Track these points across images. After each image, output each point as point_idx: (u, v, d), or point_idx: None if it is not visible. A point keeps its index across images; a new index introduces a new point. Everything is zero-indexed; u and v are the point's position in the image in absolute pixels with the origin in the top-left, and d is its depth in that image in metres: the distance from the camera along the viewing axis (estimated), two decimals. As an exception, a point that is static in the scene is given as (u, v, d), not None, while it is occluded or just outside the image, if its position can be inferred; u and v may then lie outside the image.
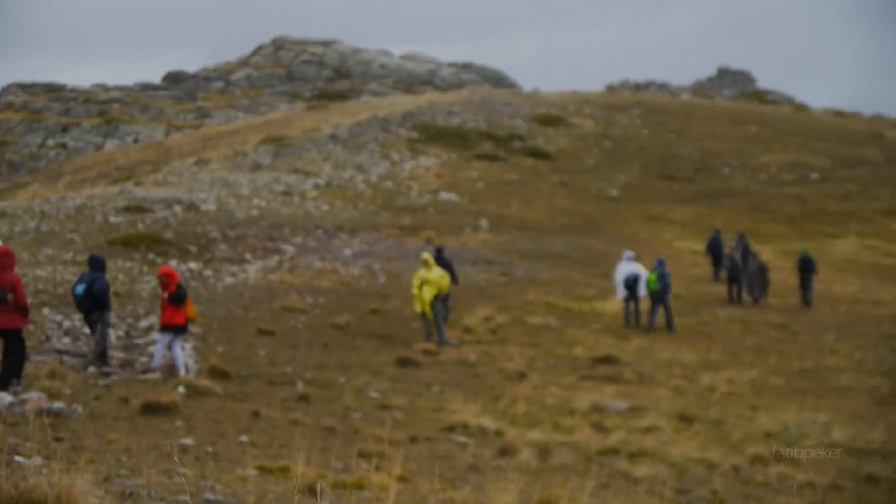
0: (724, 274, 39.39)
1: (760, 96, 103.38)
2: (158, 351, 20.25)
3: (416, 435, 16.91)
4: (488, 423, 18.27)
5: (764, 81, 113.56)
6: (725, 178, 63.42)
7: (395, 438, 16.08)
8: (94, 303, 19.55)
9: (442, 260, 30.51)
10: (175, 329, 19.99)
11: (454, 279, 30.58)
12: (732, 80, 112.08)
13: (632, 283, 31.33)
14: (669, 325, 31.52)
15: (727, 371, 25.96)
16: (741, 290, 37.34)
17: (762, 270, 37.15)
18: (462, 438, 17.27)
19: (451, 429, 17.87)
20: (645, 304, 32.02)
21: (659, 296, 31.44)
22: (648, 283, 31.46)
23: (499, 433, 17.71)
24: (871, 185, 63.88)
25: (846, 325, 33.56)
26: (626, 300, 31.69)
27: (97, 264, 20.24)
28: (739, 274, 37.32)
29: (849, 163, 68.63)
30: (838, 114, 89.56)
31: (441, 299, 26.66)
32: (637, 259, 32.60)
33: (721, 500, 15.61)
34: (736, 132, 73.77)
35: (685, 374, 25.55)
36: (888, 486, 17.05)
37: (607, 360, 25.96)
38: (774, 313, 34.76)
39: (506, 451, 16.45)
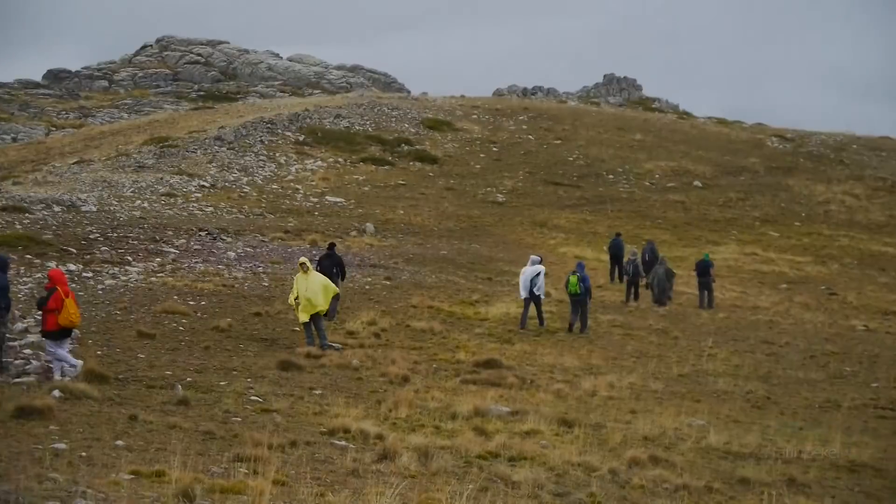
0: (623, 277, 40.96)
1: (646, 104, 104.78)
2: (59, 358, 19.81)
3: (296, 439, 16.77)
4: (370, 427, 18.18)
5: (650, 89, 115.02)
6: (610, 184, 64.19)
7: (274, 443, 15.95)
8: None
9: (334, 257, 30.84)
10: (56, 334, 19.67)
11: (342, 275, 30.85)
12: (618, 87, 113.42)
13: (535, 286, 31.79)
14: (584, 327, 32.07)
15: (608, 376, 26.20)
16: (637, 293, 38.75)
17: (669, 275, 38.01)
18: (343, 443, 17.17)
19: (331, 433, 17.76)
20: (550, 306, 32.60)
21: (580, 298, 31.98)
22: (569, 286, 32.11)
23: (380, 437, 17.64)
24: (751, 193, 65.14)
25: (724, 331, 34.11)
26: (527, 301, 32.09)
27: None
28: (638, 278, 38.71)
29: (730, 171, 69.93)
30: (721, 122, 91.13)
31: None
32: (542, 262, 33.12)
33: (598, 503, 15.73)
34: (621, 139, 74.67)
35: (567, 378, 25.72)
36: (760, 489, 17.32)
37: (490, 364, 26.02)
38: (655, 319, 35.18)
39: (386, 456, 16.37)
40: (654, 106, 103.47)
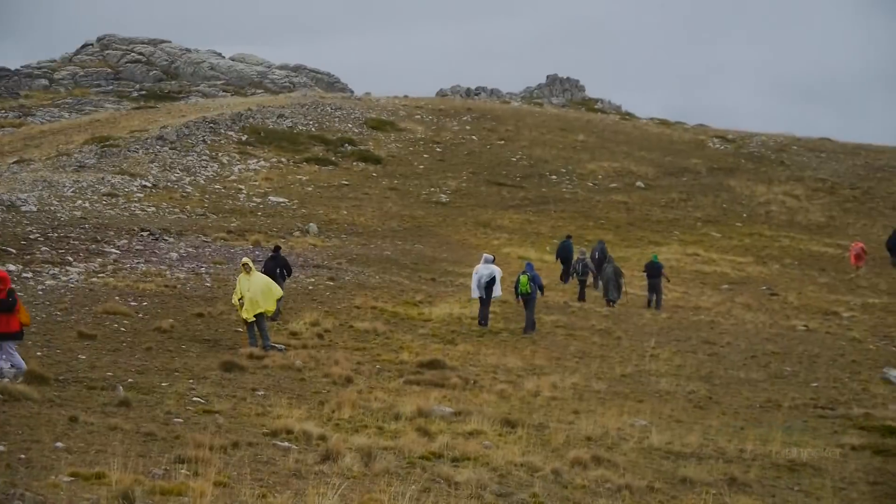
0: (573, 278, 41.64)
1: (589, 104, 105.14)
2: (14, 362, 19.60)
3: (238, 440, 16.67)
4: (312, 428, 18.11)
5: (592, 90, 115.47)
6: (553, 184, 64.39)
7: (216, 444, 15.84)
8: None
9: (278, 259, 30.90)
10: (8, 336, 19.49)
11: (288, 273, 30.98)
12: (561, 87, 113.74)
13: (488, 285, 32.08)
14: (531, 325, 32.41)
15: (551, 376, 26.28)
16: (583, 291, 39.43)
17: (617, 274, 38.41)
18: (285, 444, 17.09)
19: (274, 434, 17.68)
20: (493, 307, 32.77)
21: (531, 297, 32.24)
22: (520, 286, 32.32)
23: (323, 438, 17.57)
24: (693, 194, 65.58)
25: (667, 331, 34.29)
26: (482, 300, 32.29)
27: None
28: (587, 278, 39.63)
29: (672, 171, 70.38)
30: (663, 123, 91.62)
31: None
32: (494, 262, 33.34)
33: (541, 503, 15.76)
34: (564, 140, 74.92)
35: (510, 378, 25.78)
36: (702, 489, 17.42)
37: (433, 365, 26.04)
38: (598, 319, 35.31)
39: (329, 457, 16.31)
40: (596, 107, 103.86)
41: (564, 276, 43.16)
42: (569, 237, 45.29)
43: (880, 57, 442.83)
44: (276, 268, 30.36)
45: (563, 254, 43.59)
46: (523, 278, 32.34)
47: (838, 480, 19.47)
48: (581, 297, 39.14)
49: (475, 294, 32.45)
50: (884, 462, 21.32)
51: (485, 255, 34.14)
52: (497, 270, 32.52)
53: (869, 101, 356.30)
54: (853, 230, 61.64)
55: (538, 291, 32.62)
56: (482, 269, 32.41)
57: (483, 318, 32.30)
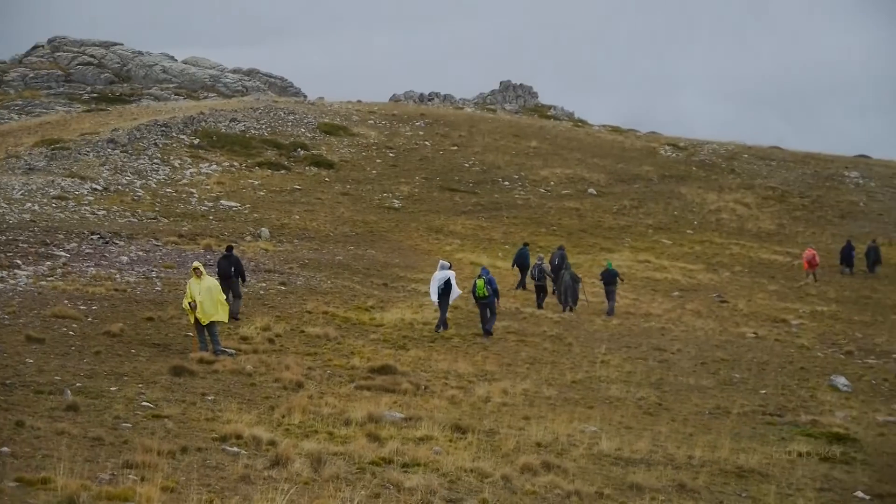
0: (528, 284, 42.20)
1: (542, 111, 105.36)
2: None
3: (187, 445, 16.58)
4: (262, 433, 18.03)
5: (545, 97, 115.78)
6: (506, 191, 64.51)
7: (165, 449, 15.75)
8: None
9: (231, 258, 30.93)
10: None
11: (242, 278, 31.15)
12: (515, 94, 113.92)
13: (444, 290, 32.27)
14: (489, 329, 32.73)
15: (502, 382, 26.33)
16: (540, 298, 39.65)
17: (575, 280, 38.64)
18: (235, 449, 17.01)
19: (223, 439, 17.58)
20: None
21: (489, 301, 32.45)
22: (477, 290, 32.59)
23: (272, 443, 17.50)
24: (644, 201, 65.92)
25: (617, 338, 34.44)
26: (440, 305, 32.51)
27: None
28: (545, 284, 39.72)
29: (624, 178, 70.69)
30: (615, 130, 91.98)
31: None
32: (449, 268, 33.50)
33: (490, 508, 15.78)
34: (517, 146, 75.06)
35: (461, 384, 25.81)
36: (651, 495, 17.49)
37: (384, 370, 25.99)
38: (549, 325, 35.40)
39: (278, 462, 16.24)
40: (549, 113, 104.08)
41: (521, 284, 43.23)
42: (526, 245, 45.45)
43: (831, 66, 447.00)
44: (230, 267, 30.52)
45: (520, 261, 43.71)
46: (479, 282, 32.55)
47: (785, 487, 19.61)
48: (539, 304, 39.28)
49: (433, 298, 32.64)
50: (830, 469, 21.51)
51: (441, 261, 34.29)
52: (451, 273, 32.70)
53: (820, 109, 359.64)
54: (802, 238, 62.18)
55: (495, 295, 32.80)
56: (438, 275, 32.59)
57: (441, 324, 32.39)
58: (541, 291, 39.79)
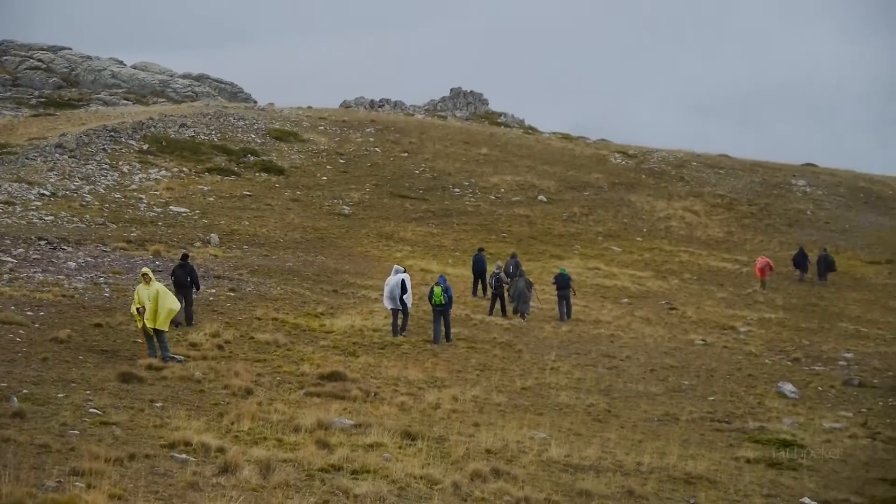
0: (486, 290, 42.32)
1: (492, 118, 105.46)
2: None
3: (135, 452, 16.47)
4: (211, 440, 17.95)
5: (496, 104, 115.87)
6: (456, 197, 64.52)
7: (112, 456, 15.64)
8: None
9: (186, 267, 31.03)
10: None
11: (196, 286, 31.24)
12: (465, 101, 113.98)
13: (399, 295, 32.53)
14: (448, 335, 33.01)
15: (452, 388, 26.37)
16: (504, 306, 39.78)
17: (528, 286, 38.77)
18: (183, 456, 16.92)
19: (172, 446, 17.49)
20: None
21: (444, 308, 32.77)
22: (434, 297, 32.84)
23: (221, 450, 17.42)
24: (594, 209, 66.15)
25: (567, 345, 34.55)
26: (395, 311, 32.70)
27: None
28: (502, 291, 39.68)
29: (574, 186, 70.90)
30: (566, 137, 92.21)
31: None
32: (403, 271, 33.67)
33: (440, 515, 15.79)
34: (467, 153, 75.10)
35: (411, 391, 25.81)
36: (600, 501, 17.55)
37: (334, 377, 25.95)
38: (499, 332, 35.47)
39: (227, 469, 16.17)
40: (499, 120, 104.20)
41: (475, 290, 43.26)
42: (481, 250, 45.49)
43: (779, 75, 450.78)
44: (186, 276, 30.59)
45: (476, 266, 43.75)
46: (437, 289, 32.78)
47: (733, 493, 19.76)
48: (491, 312, 39.34)
49: (389, 306, 32.70)
50: (777, 475, 21.70)
51: (395, 266, 34.45)
52: (406, 276, 32.90)
53: (768, 118, 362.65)
54: (751, 246, 62.67)
55: (451, 303, 33.07)
56: (392, 280, 32.69)
57: (396, 329, 32.50)
58: (496, 300, 39.82)
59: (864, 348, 39.34)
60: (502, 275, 40.06)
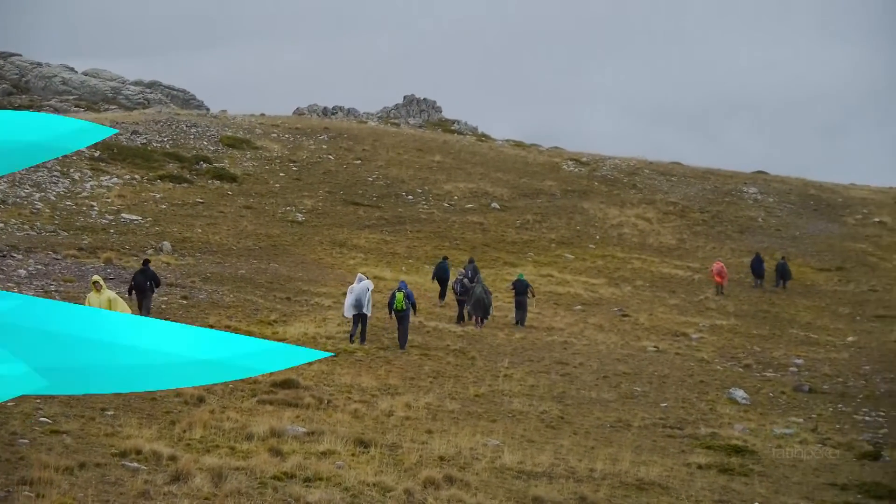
0: (448, 297, 42.73)
1: (445, 125, 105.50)
2: None
3: (86, 461, 16.35)
4: (163, 448, 17.85)
5: (449, 111, 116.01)
6: (409, 205, 64.54)
7: (62, 465, 15.53)
8: None
9: (147, 272, 31.23)
10: None
11: (156, 284, 31.62)
12: (418, 108, 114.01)
13: (361, 302, 32.46)
14: (403, 343, 33.05)
15: (405, 396, 26.34)
16: (462, 315, 39.92)
17: (487, 293, 38.86)
18: (134, 464, 16.81)
19: (123, 454, 17.36)
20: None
21: (405, 314, 32.93)
22: (395, 303, 32.98)
23: (173, 458, 17.32)
24: (547, 216, 66.34)
25: (520, 352, 34.62)
26: (356, 318, 32.69)
27: None
28: (465, 298, 39.87)
29: (527, 193, 71.10)
30: (519, 145, 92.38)
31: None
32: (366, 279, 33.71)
33: (393, 523, 15.76)
34: (421, 160, 75.17)
35: (364, 398, 25.75)
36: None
37: (287, 384, 25.83)
38: (452, 339, 35.49)
39: (179, 477, 16.08)
40: (453, 128, 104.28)
41: (442, 297, 43.52)
42: (445, 258, 45.80)
43: (731, 83, 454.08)
44: (146, 281, 30.82)
45: (440, 274, 44.06)
46: (399, 295, 32.89)
47: (685, 499, 19.85)
48: (460, 319, 39.40)
49: (351, 313, 32.69)
50: (729, 480, 21.83)
51: (359, 274, 34.57)
52: (370, 284, 33.03)
53: (719, 126, 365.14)
54: (703, 253, 63.06)
55: (412, 309, 33.11)
56: (358, 287, 32.72)
57: (356, 335, 32.53)
58: (462, 306, 39.90)
59: (814, 354, 39.68)
60: (466, 280, 40.09)
